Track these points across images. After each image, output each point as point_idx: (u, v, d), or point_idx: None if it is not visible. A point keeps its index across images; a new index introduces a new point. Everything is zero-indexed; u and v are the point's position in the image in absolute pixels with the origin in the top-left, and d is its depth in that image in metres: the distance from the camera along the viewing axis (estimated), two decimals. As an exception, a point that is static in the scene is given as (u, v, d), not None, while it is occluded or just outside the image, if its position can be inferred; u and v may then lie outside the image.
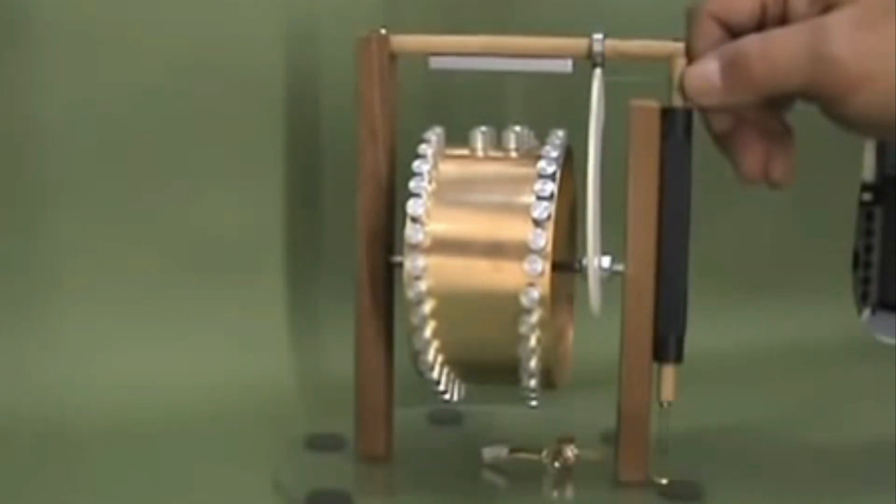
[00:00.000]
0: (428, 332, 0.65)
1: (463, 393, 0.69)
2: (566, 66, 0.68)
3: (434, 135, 0.67)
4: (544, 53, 0.69)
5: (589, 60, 0.68)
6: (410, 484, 0.70)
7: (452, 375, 0.67)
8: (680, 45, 0.67)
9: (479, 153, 0.68)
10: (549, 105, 0.79)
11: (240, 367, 0.84)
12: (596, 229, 0.66)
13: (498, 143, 0.68)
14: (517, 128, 0.68)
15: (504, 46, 0.70)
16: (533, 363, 0.65)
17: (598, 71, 0.67)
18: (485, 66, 0.69)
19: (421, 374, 0.67)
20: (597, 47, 0.68)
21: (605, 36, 0.68)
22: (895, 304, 1.21)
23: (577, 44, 0.68)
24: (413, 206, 0.65)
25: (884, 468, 0.73)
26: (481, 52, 0.70)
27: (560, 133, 0.67)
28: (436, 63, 0.69)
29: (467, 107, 0.83)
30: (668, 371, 0.68)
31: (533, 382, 0.66)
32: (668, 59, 0.67)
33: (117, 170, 0.82)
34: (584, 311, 0.68)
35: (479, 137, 0.68)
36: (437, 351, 0.66)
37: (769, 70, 0.62)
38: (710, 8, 0.65)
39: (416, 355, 0.66)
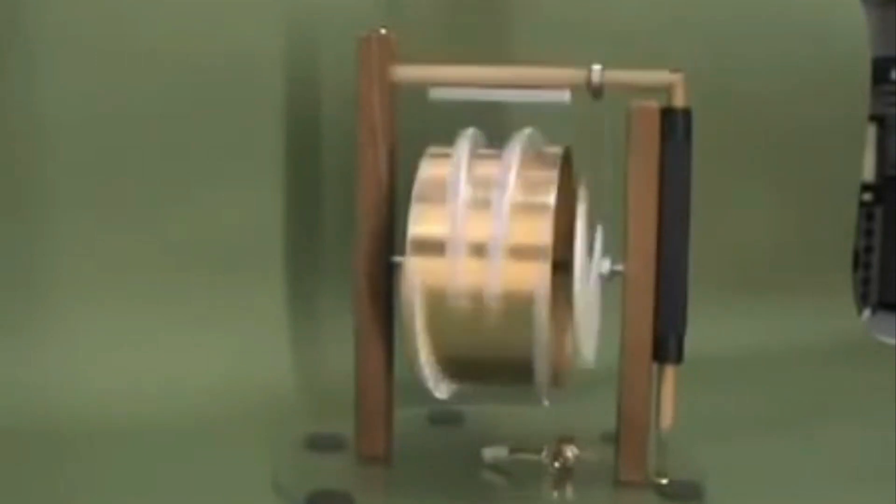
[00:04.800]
0: (422, 331, 0.65)
1: (453, 390, 0.69)
2: (564, 97, 0.69)
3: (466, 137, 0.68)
4: (543, 84, 0.69)
5: (588, 90, 0.68)
6: (410, 484, 0.70)
7: (446, 374, 0.67)
8: (678, 76, 0.67)
9: (476, 154, 0.68)
10: (549, 105, 0.79)
11: (240, 367, 0.84)
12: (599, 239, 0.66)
13: (486, 143, 0.68)
14: (528, 130, 0.68)
15: (503, 77, 0.70)
16: (543, 363, 0.65)
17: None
18: (484, 97, 0.70)
19: (415, 372, 0.67)
20: (595, 78, 0.68)
21: (604, 66, 0.68)
22: (895, 304, 1.21)
23: (576, 74, 0.69)
24: (418, 210, 0.65)
25: (884, 468, 0.73)
26: (480, 83, 0.70)
27: (526, 131, 0.67)
28: (435, 93, 0.70)
29: (467, 106, 0.83)
30: (668, 399, 0.68)
31: (538, 382, 0.66)
32: (666, 89, 0.67)
33: (117, 170, 0.82)
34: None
35: (465, 139, 0.68)
36: (432, 351, 0.66)
37: None
38: None
39: (412, 354, 0.66)
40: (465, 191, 0.66)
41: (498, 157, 0.67)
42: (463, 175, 0.66)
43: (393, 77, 0.70)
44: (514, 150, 0.66)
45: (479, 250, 0.65)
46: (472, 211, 0.66)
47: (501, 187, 0.65)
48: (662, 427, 0.68)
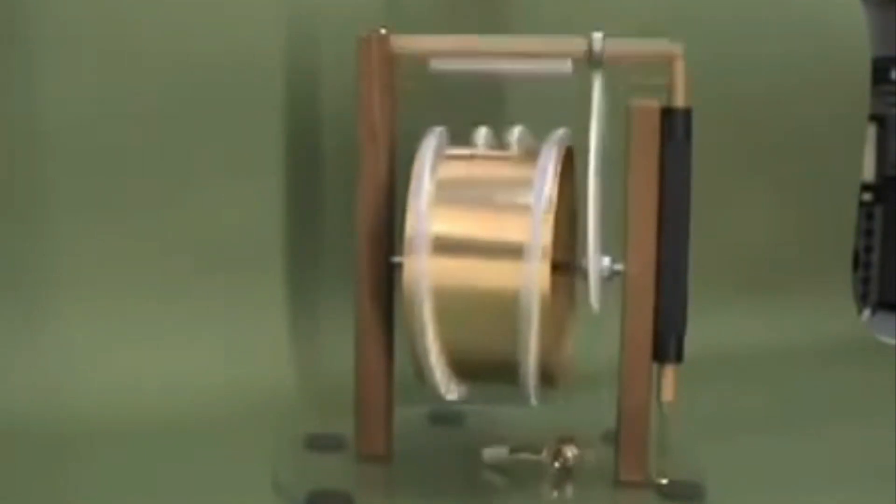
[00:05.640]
0: (429, 332, 0.65)
1: (463, 392, 0.69)
2: (566, 66, 0.69)
3: (435, 134, 0.68)
4: (543, 53, 0.69)
5: (588, 60, 0.68)
6: (410, 484, 0.70)
7: (451, 374, 0.67)
8: (678, 46, 0.67)
9: (480, 152, 0.68)
10: (549, 104, 0.79)
11: (240, 367, 0.84)
12: (596, 229, 0.66)
13: (498, 142, 0.68)
14: (518, 127, 0.68)
15: (503, 47, 0.70)
16: (532, 362, 0.65)
17: (598, 74, 0.67)
18: (485, 67, 0.70)
19: (418, 372, 0.67)
20: (596, 47, 0.68)
21: (605, 36, 0.68)
22: (895, 304, 1.21)
23: (577, 43, 0.68)
24: (414, 206, 0.65)
25: (884, 468, 0.73)
26: (480, 53, 0.70)
27: (560, 132, 0.67)
28: (437, 64, 0.70)
29: (467, 106, 0.83)
30: (669, 371, 0.68)
31: (532, 382, 0.66)
32: (667, 60, 0.67)
33: (117, 170, 0.82)
34: (585, 311, 0.68)
35: (480, 136, 0.68)
36: (439, 350, 0.66)
37: None
38: None
39: (417, 354, 0.66)
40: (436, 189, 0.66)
41: (498, 157, 0.67)
42: (427, 173, 0.66)
43: (393, 49, 0.69)
44: (552, 153, 0.66)
45: (479, 249, 0.65)
46: (469, 209, 0.66)
47: (540, 189, 0.65)
48: (664, 400, 0.68)
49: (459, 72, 0.69)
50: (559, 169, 0.65)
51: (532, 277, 0.64)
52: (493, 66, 0.70)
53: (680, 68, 0.67)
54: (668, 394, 0.68)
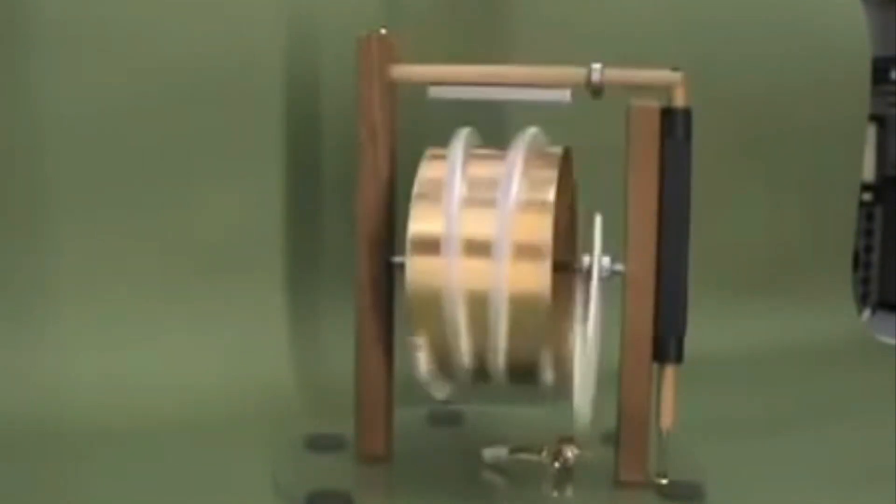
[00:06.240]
0: (462, 334, 0.65)
1: (451, 390, 0.69)
2: (565, 95, 0.69)
3: (462, 136, 0.67)
4: (543, 83, 0.69)
5: (588, 89, 0.68)
6: (410, 484, 0.70)
7: (447, 374, 0.67)
8: (678, 75, 0.67)
9: (477, 154, 0.68)
10: (549, 105, 0.79)
11: (240, 367, 0.84)
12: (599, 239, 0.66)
13: (495, 143, 0.68)
14: (532, 129, 0.68)
15: (503, 76, 0.70)
16: (502, 361, 0.65)
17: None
18: (484, 96, 0.70)
19: (422, 373, 0.67)
20: (595, 76, 0.68)
21: (604, 65, 0.68)
22: (895, 304, 1.21)
23: (576, 73, 0.69)
24: (418, 209, 0.65)
25: (884, 468, 0.73)
26: (481, 82, 0.70)
27: (531, 130, 0.67)
28: (435, 92, 0.70)
29: (467, 106, 0.83)
30: (668, 399, 0.68)
31: (503, 380, 0.66)
32: (666, 89, 0.67)
33: (117, 170, 0.82)
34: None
35: (461, 136, 0.68)
36: (471, 352, 0.66)
37: None
38: None
39: (445, 355, 0.65)
40: (461, 190, 0.65)
41: (497, 156, 0.67)
42: (458, 174, 0.66)
43: (393, 76, 0.70)
44: (520, 150, 0.66)
45: (479, 249, 0.65)
46: (472, 210, 0.66)
47: (507, 187, 0.65)
48: (662, 427, 0.68)
49: (458, 99, 0.69)
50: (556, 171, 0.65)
51: (501, 275, 0.63)
52: (492, 94, 0.70)
53: (680, 96, 0.67)
54: (667, 420, 0.68)
